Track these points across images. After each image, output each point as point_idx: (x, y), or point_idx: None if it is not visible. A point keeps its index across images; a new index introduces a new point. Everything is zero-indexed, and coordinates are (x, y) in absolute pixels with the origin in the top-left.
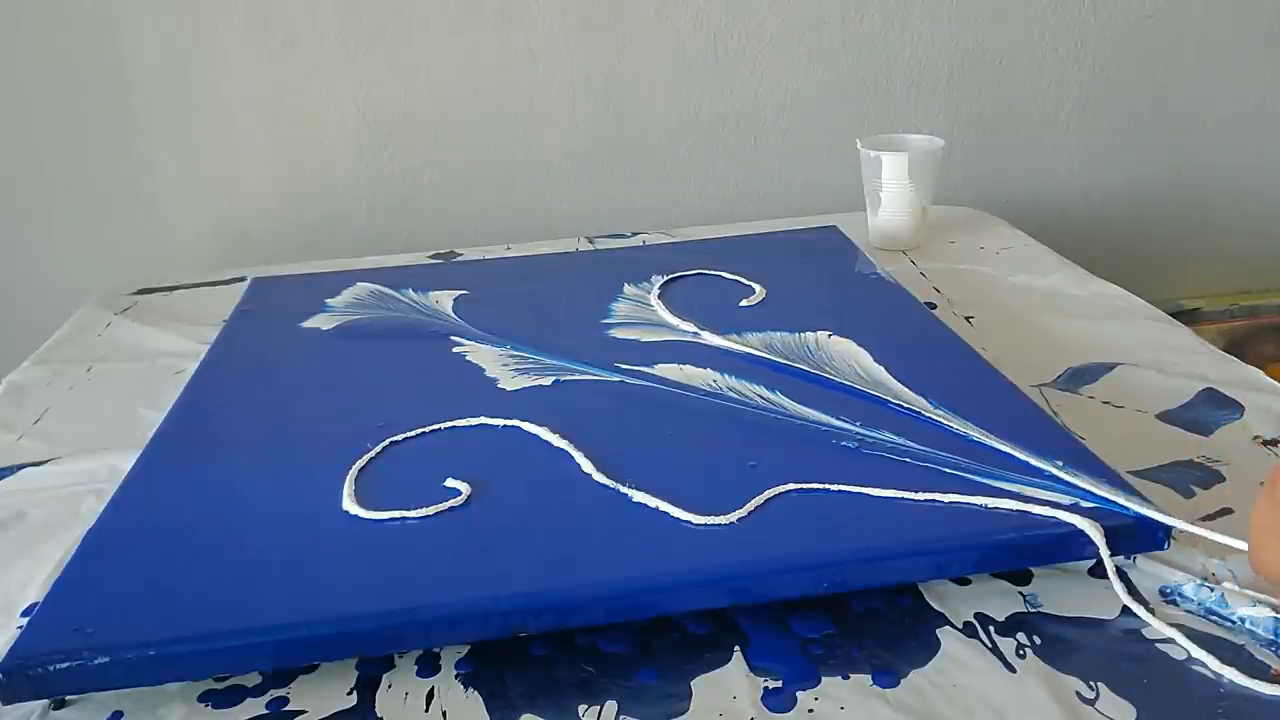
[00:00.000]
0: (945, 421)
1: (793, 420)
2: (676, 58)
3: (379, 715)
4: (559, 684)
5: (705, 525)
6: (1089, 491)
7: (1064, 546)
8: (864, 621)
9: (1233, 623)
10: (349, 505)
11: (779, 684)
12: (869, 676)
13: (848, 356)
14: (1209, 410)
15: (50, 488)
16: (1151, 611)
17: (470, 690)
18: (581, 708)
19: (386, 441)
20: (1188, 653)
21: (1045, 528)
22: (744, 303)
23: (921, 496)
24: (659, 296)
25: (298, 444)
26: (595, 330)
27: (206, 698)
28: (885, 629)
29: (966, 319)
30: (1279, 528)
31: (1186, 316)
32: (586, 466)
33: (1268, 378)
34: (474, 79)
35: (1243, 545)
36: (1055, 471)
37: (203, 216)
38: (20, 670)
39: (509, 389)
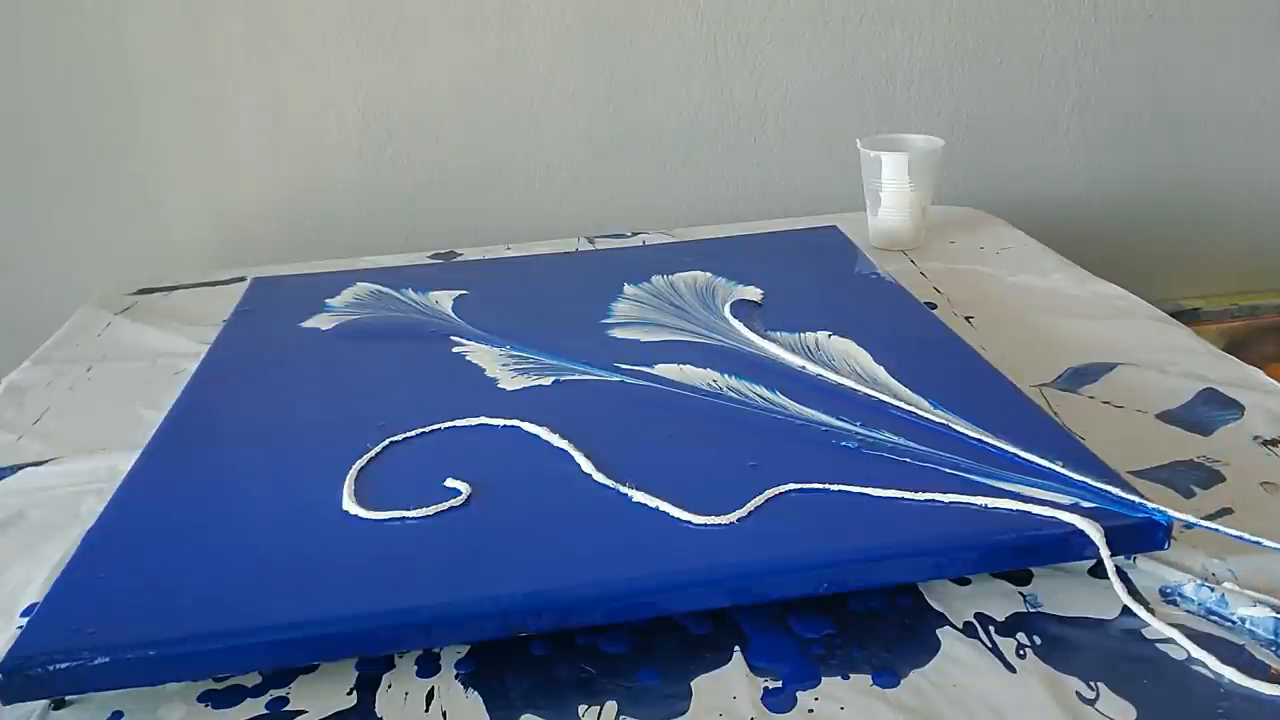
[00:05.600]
0: (945, 421)
1: (793, 420)
2: (676, 58)
3: (379, 715)
4: (559, 684)
5: (705, 525)
6: (1089, 491)
7: (1064, 546)
8: (864, 621)
9: (1233, 623)
10: (349, 505)
11: (779, 684)
12: (869, 676)
13: (848, 356)
14: (1209, 410)
15: (50, 488)
16: (1151, 611)
17: (470, 690)
18: (581, 708)
19: (386, 441)
20: (1188, 653)
21: (1045, 528)
22: (743, 301)
23: (921, 496)
24: (728, 308)
25: (298, 444)
26: (595, 330)
27: (206, 698)
28: (885, 629)
29: (966, 319)
30: None
31: (1186, 316)
32: (586, 466)
33: (1268, 378)
34: (474, 79)
35: (1241, 539)
36: (1055, 471)
37: (203, 216)
38: (20, 670)
39: (509, 389)
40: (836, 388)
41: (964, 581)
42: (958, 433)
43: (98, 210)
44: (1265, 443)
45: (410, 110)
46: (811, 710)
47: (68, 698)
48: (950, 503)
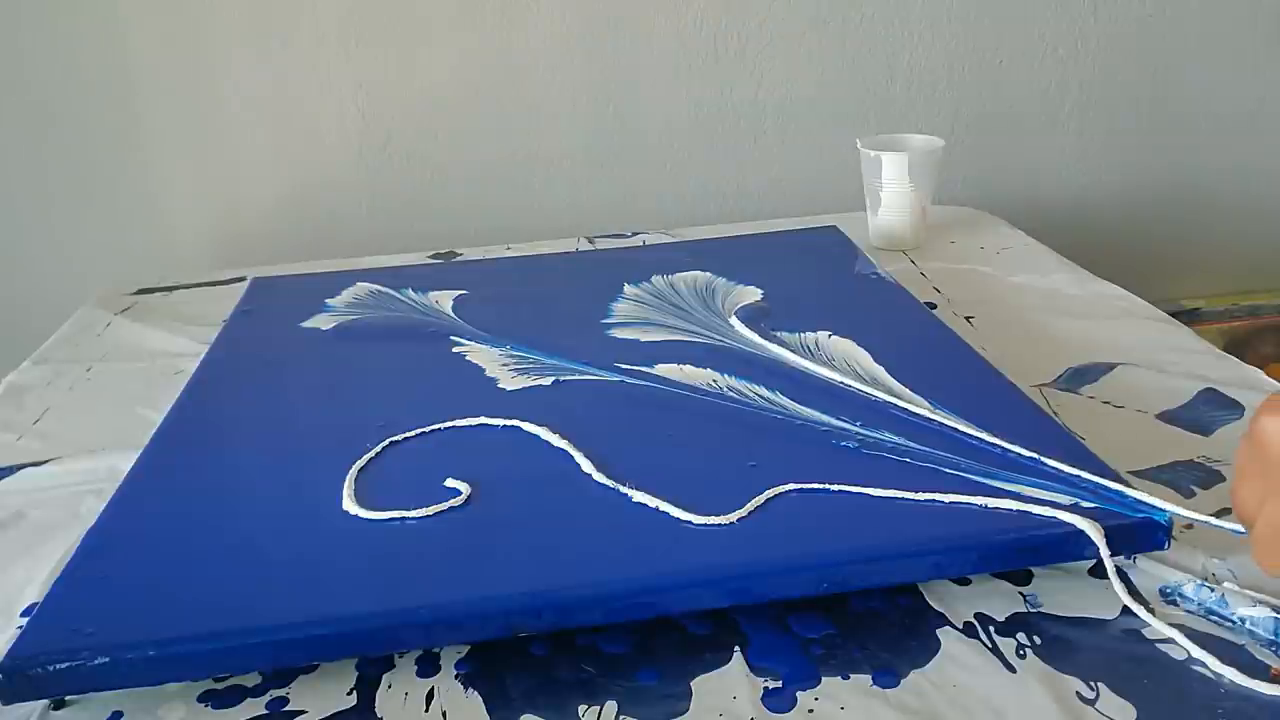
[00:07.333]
0: (945, 421)
1: (793, 420)
2: (676, 58)
3: (379, 715)
4: (559, 684)
5: (705, 525)
6: (1089, 491)
7: (1064, 546)
8: (864, 621)
9: (1233, 623)
10: (349, 505)
11: (779, 684)
12: (869, 676)
13: (848, 356)
14: (1209, 410)
15: (50, 488)
16: (1151, 611)
17: (470, 690)
18: (581, 708)
19: (386, 441)
20: (1188, 653)
21: (1045, 528)
22: (744, 303)
23: (921, 496)
24: (738, 318)
25: (298, 444)
26: (595, 330)
27: (206, 698)
28: (885, 629)
29: (966, 319)
30: (1252, 468)
31: (1186, 316)
32: (586, 466)
33: (1268, 378)
34: (474, 79)
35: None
36: (1055, 471)
37: (203, 216)
38: (20, 670)
39: (509, 389)
40: (836, 388)
41: (964, 581)
42: (958, 433)
43: (98, 210)
44: None
45: (410, 110)
46: (811, 710)
47: (68, 698)
48: (950, 503)
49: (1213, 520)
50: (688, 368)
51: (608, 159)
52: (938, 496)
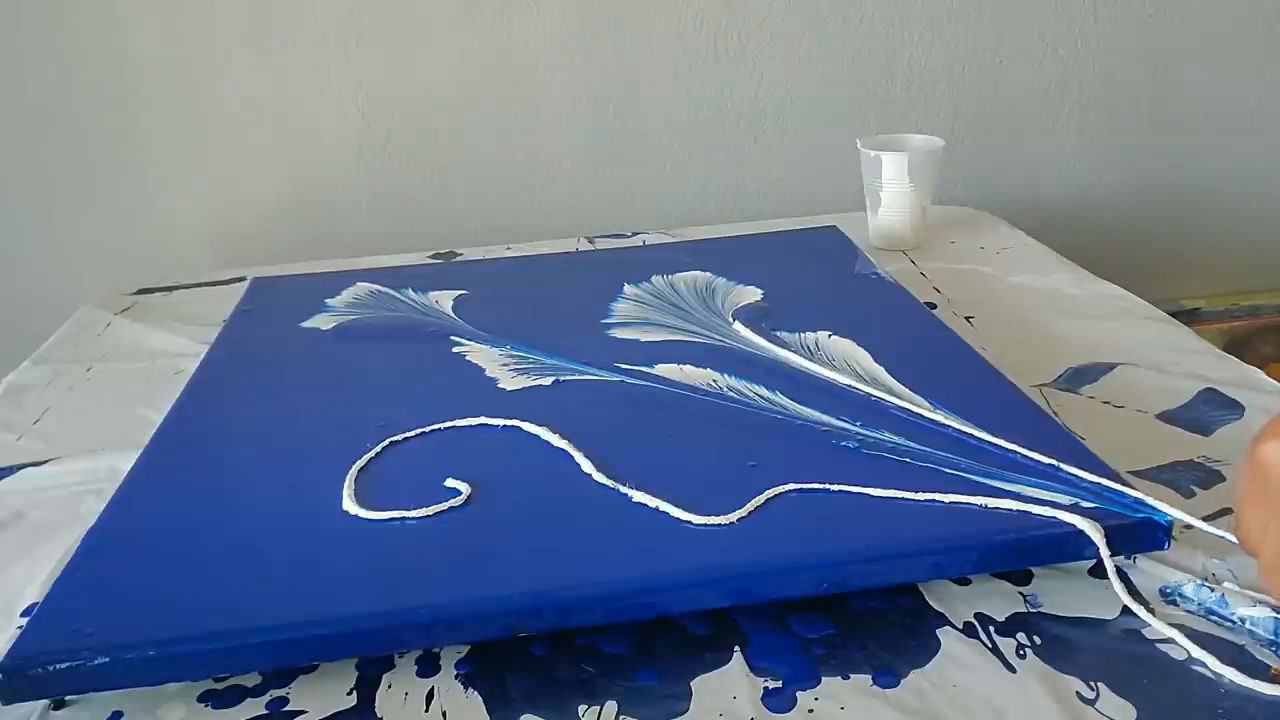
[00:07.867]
0: (945, 421)
1: (793, 420)
2: (676, 58)
3: (379, 715)
4: (559, 684)
5: (705, 525)
6: (1089, 491)
7: (1064, 546)
8: (864, 621)
9: (1233, 623)
10: (349, 505)
11: (779, 684)
12: (869, 676)
13: (848, 356)
14: (1209, 410)
15: (50, 488)
16: (1151, 611)
17: (470, 690)
18: (581, 708)
19: (386, 441)
20: (1188, 653)
21: (1045, 528)
22: (744, 303)
23: (921, 496)
24: (737, 321)
25: (297, 444)
26: (595, 330)
27: (206, 698)
28: (885, 629)
29: (966, 319)
30: (1253, 492)
31: (1186, 316)
32: (586, 466)
33: (1268, 378)
34: (474, 79)
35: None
36: (1055, 471)
37: (203, 216)
38: (20, 670)
39: (509, 389)
40: (836, 388)
41: (964, 581)
42: (958, 433)
43: (98, 210)
44: None
45: (410, 110)
46: (811, 710)
47: (68, 698)
48: (950, 503)
49: (1210, 528)
50: (688, 368)
51: (608, 159)
52: (938, 496)
